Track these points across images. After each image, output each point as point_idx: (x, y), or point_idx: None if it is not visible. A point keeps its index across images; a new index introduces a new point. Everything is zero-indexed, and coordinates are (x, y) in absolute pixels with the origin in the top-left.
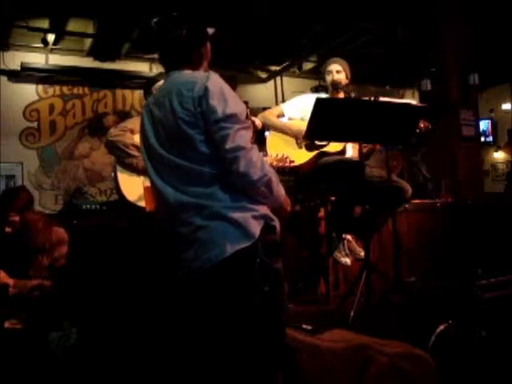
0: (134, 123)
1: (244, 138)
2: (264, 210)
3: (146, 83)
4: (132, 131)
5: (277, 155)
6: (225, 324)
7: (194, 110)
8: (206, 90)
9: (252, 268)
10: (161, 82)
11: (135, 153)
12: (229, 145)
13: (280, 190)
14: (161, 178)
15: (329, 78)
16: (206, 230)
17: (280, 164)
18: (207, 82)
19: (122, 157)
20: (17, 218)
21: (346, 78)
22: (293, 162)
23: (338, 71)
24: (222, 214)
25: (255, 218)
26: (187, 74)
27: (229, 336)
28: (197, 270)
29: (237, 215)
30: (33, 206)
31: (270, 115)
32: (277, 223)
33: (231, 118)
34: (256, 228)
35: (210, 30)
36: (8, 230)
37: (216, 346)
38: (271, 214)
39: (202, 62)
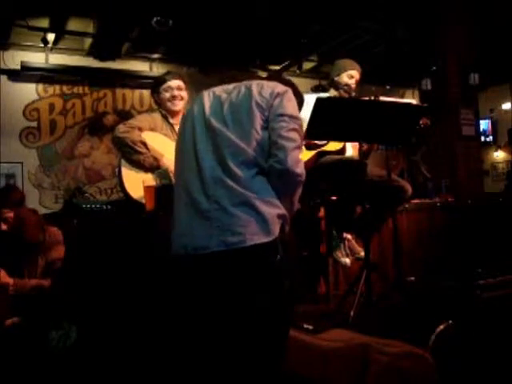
0: (143, 121)
1: (297, 137)
2: (284, 210)
3: (152, 83)
4: (140, 129)
5: None
6: (238, 314)
7: (268, 100)
8: (285, 93)
9: (274, 263)
10: (170, 82)
11: (143, 150)
12: (285, 133)
13: (297, 199)
14: (210, 148)
15: (346, 80)
16: (230, 214)
17: None
18: (287, 89)
19: (129, 153)
20: (11, 215)
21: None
22: None
23: (356, 80)
24: (252, 203)
25: (279, 216)
26: None
27: (244, 329)
28: (203, 247)
29: (266, 209)
30: (24, 203)
31: None
32: (287, 227)
33: (295, 119)
34: (277, 226)
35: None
36: (4, 227)
37: (227, 340)
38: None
39: None
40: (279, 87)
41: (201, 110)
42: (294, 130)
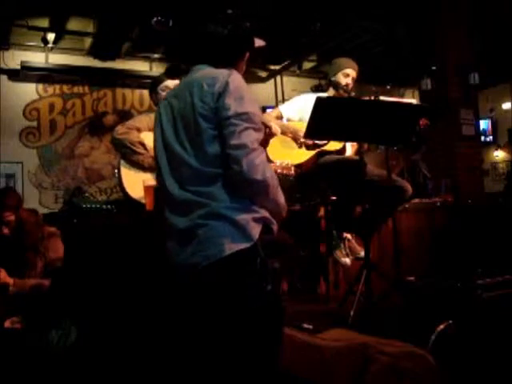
0: (141, 122)
1: (250, 137)
2: (264, 212)
3: (150, 83)
4: (138, 129)
5: (281, 163)
6: (225, 322)
7: (212, 105)
8: (226, 86)
9: (253, 268)
10: (167, 82)
11: (141, 150)
12: (234, 141)
13: (279, 196)
14: (169, 170)
15: (342, 80)
16: (206, 228)
17: (284, 172)
18: (228, 79)
19: (128, 154)
20: (12, 218)
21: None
22: (297, 170)
23: (353, 78)
24: (223, 213)
25: (256, 220)
26: (211, 69)
27: (230, 334)
28: (193, 265)
29: (239, 217)
30: (22, 205)
31: (270, 117)
32: (275, 226)
33: (242, 115)
34: (256, 230)
35: (259, 43)
36: (6, 231)
37: (216, 345)
38: (270, 217)
39: (232, 66)
40: (219, 81)
41: (159, 132)
42: (243, 130)
